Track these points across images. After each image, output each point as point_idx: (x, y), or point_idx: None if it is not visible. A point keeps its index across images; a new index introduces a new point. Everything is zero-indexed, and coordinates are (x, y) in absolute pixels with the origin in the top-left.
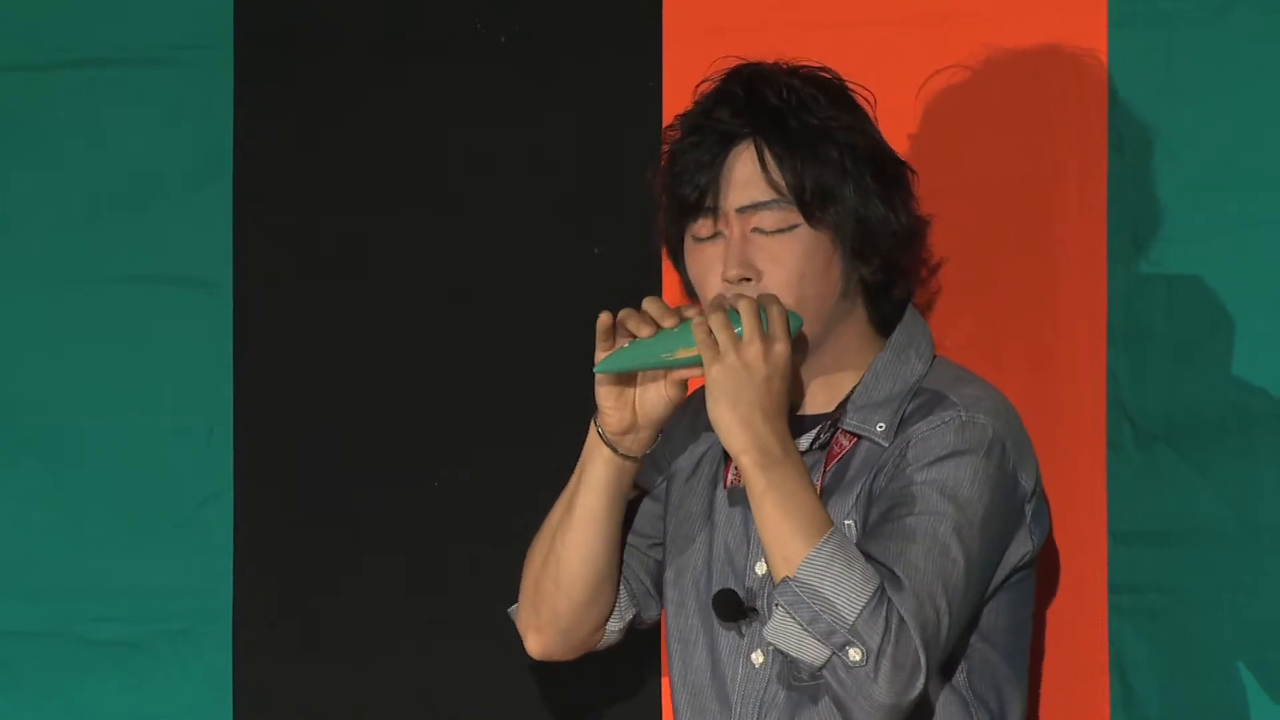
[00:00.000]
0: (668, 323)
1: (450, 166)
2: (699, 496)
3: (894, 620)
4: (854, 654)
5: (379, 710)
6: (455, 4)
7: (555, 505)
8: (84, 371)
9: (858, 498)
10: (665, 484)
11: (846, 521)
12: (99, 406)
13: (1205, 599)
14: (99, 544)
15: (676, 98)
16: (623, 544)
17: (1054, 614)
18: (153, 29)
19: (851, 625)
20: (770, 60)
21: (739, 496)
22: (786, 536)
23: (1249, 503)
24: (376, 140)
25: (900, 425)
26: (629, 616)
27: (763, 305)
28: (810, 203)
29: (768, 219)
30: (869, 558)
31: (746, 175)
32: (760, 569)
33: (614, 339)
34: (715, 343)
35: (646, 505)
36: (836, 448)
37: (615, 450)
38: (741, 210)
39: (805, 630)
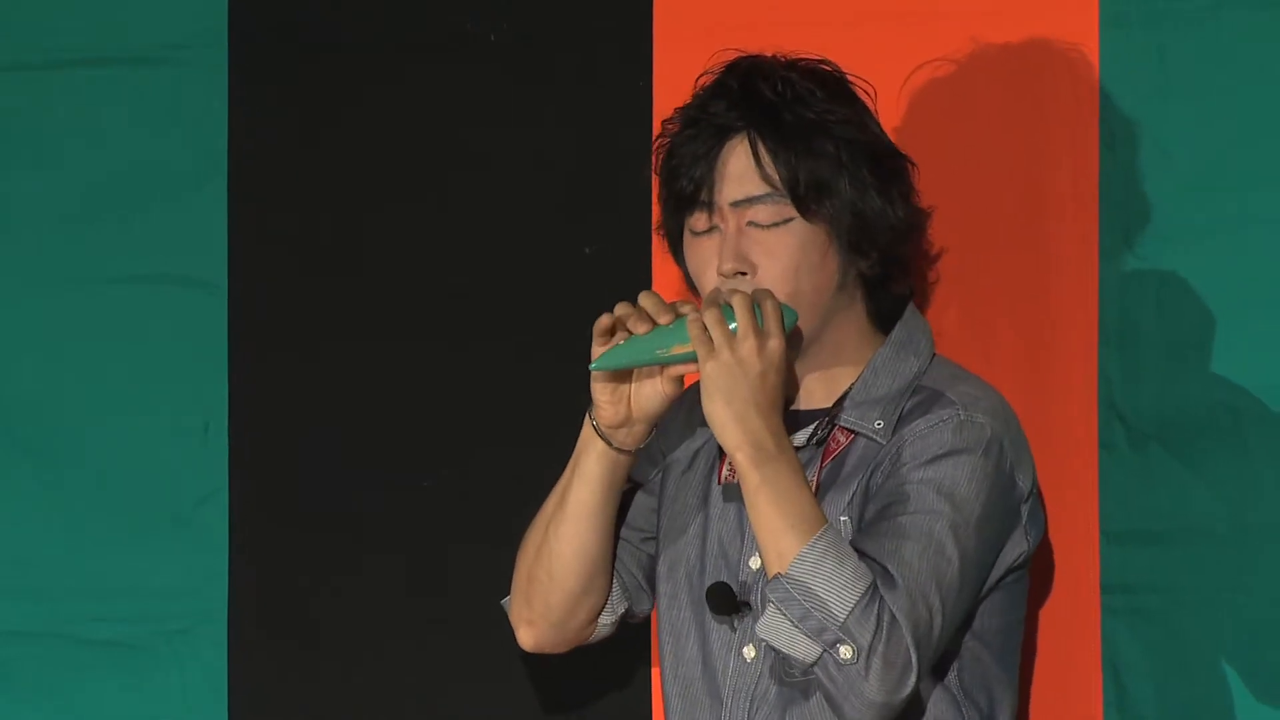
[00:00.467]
0: (663, 319)
1: (443, 166)
2: (694, 490)
3: (885, 618)
4: (845, 651)
5: (376, 710)
6: (449, 4)
7: (548, 497)
8: (80, 371)
9: (854, 494)
10: (660, 477)
11: (842, 518)
12: (95, 406)
13: (1198, 598)
14: (96, 544)
15: (667, 97)
16: (616, 537)
17: (1047, 614)
18: (148, 29)
19: (842, 623)
20: (769, 54)
21: (734, 492)
22: (779, 533)
23: (1242, 502)
24: (371, 140)
25: (898, 423)
26: (621, 610)
27: (757, 300)
28: (805, 196)
29: (762, 213)
30: (863, 555)
31: (741, 169)
32: (754, 563)
33: (612, 336)
34: (710, 339)
35: (640, 498)
36: (833, 444)
37: (609, 444)
38: (736, 204)
39: (796, 627)
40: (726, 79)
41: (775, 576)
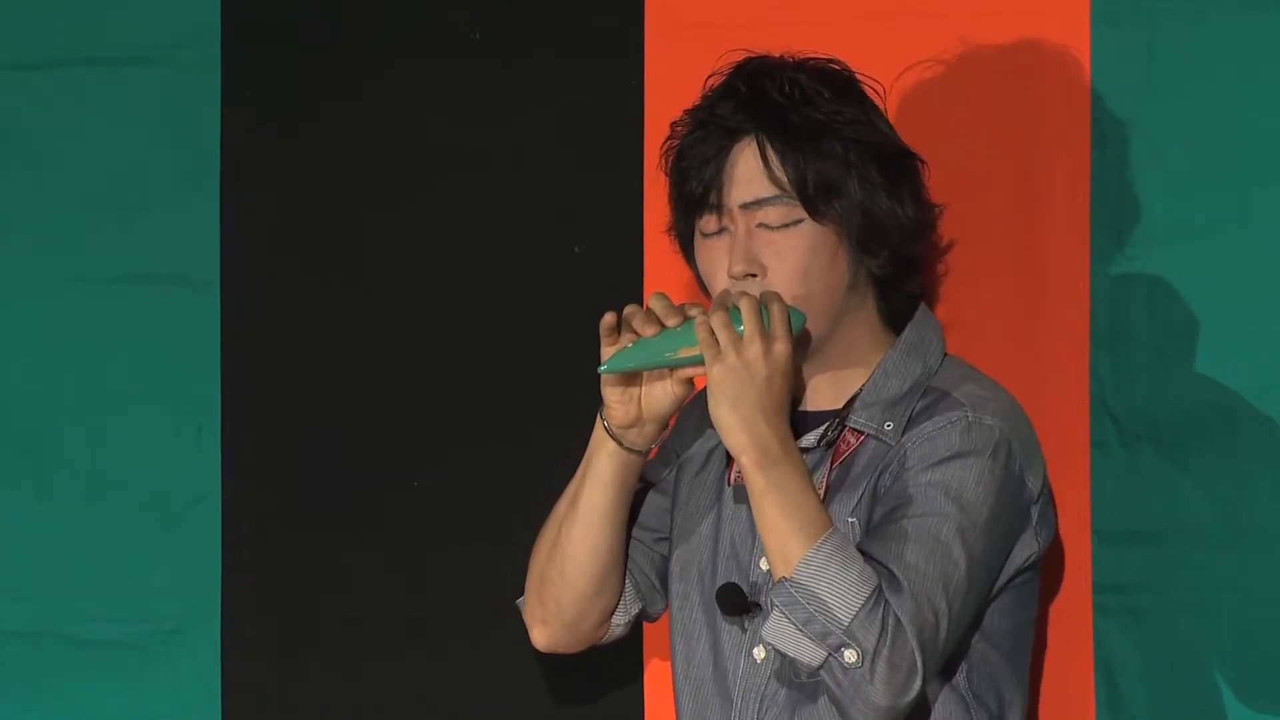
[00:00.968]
0: (672, 321)
1: (434, 166)
2: (707, 490)
3: (890, 622)
4: (850, 655)
5: (371, 710)
6: (442, 4)
7: (561, 498)
8: (72, 371)
9: (862, 496)
10: (673, 476)
11: (850, 520)
12: (88, 406)
13: (1190, 598)
14: (89, 544)
15: (659, 96)
16: (628, 537)
17: (1039, 614)
18: (142, 29)
19: (847, 627)
20: (778, 54)
21: (745, 494)
22: (785, 536)
23: (1233, 502)
24: (362, 139)
25: (908, 424)
26: (634, 610)
27: (764, 303)
28: (813, 197)
29: (772, 214)
30: (869, 558)
31: (749, 171)
32: (765, 565)
33: (618, 336)
34: (716, 342)
35: (653, 498)
36: (843, 445)
37: (620, 444)
38: (745, 206)
39: (801, 631)
40: (734, 80)
41: (780, 580)
